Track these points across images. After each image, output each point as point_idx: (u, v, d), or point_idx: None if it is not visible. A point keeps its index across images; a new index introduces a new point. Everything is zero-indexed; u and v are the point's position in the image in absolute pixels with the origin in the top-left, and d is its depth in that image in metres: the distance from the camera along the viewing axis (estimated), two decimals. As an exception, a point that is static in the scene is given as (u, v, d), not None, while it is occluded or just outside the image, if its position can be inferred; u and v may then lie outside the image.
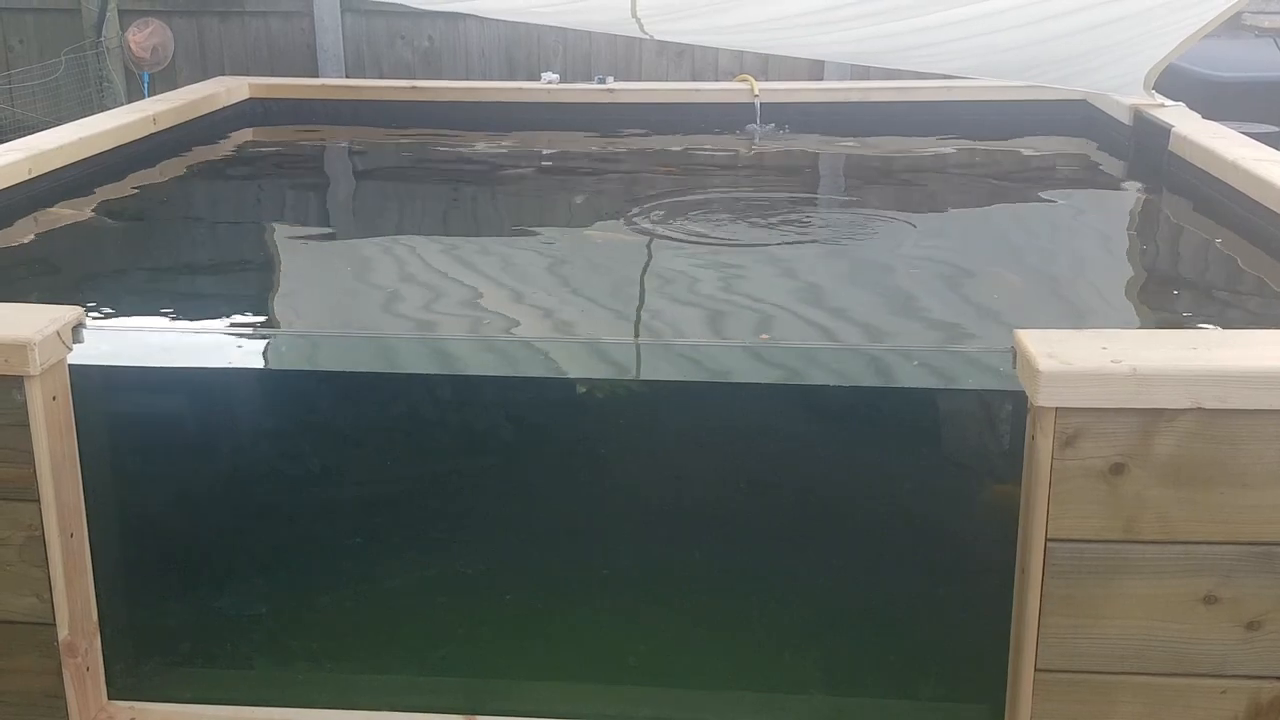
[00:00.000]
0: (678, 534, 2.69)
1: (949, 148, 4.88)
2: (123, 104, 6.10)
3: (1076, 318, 2.91)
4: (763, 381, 2.43)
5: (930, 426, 2.63)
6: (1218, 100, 4.65)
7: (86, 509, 2.24)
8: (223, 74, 6.13)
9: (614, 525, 2.71)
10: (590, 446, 2.85)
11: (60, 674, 2.21)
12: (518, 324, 2.86)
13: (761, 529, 2.68)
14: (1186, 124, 3.97)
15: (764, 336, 2.69)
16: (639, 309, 3.01)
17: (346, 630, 2.68)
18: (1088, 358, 1.92)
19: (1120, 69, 4.11)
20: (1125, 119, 4.39)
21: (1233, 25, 6.42)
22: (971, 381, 2.32)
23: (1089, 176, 4.50)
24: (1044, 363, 1.91)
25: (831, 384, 2.39)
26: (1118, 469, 1.92)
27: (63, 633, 2.20)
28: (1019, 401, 2.03)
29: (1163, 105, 4.25)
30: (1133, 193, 4.26)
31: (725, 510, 2.72)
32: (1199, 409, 1.89)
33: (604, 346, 2.60)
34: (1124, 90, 4.33)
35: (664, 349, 2.67)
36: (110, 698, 2.35)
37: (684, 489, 2.74)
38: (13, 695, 2.24)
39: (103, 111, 4.67)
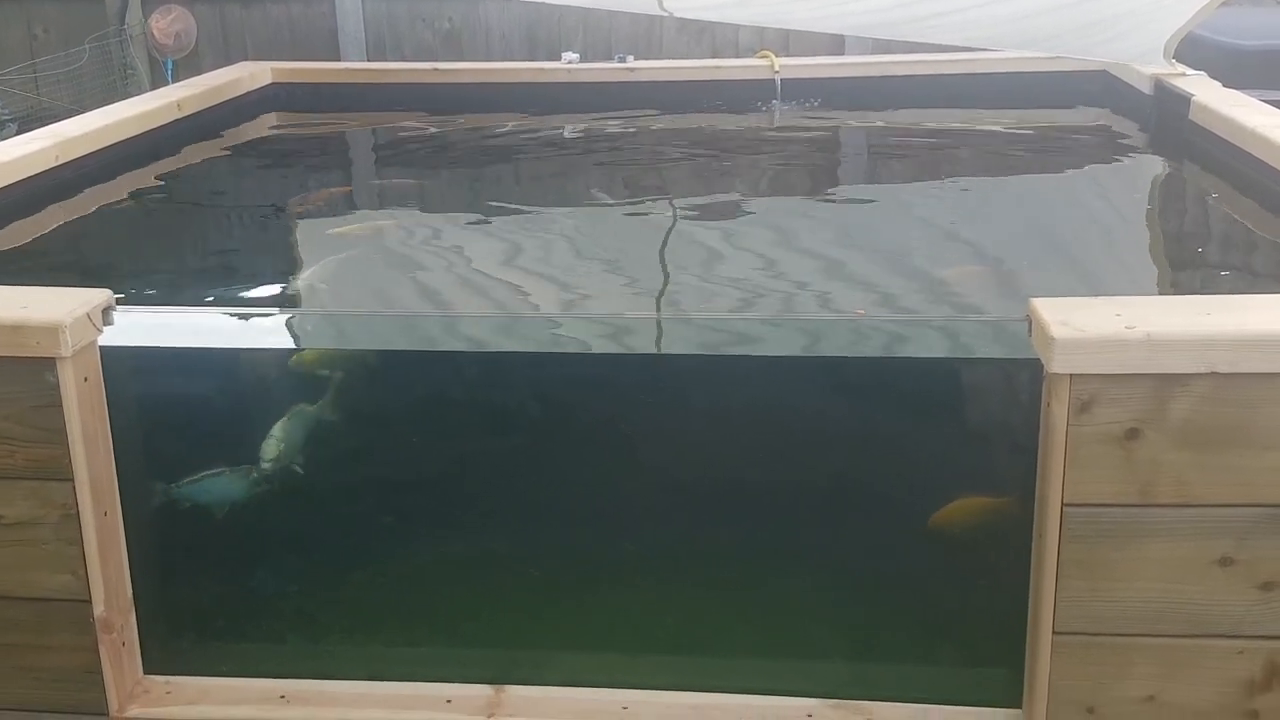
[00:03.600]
0: (700, 508, 2.72)
1: (971, 120, 4.87)
2: (147, 91, 6.15)
3: (1095, 285, 2.92)
4: (777, 354, 2.45)
5: (946, 395, 2.65)
6: (1239, 68, 4.61)
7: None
8: (245, 59, 6.16)
9: (637, 500, 2.74)
10: (613, 423, 2.88)
11: (96, 649, 2.26)
12: (546, 302, 2.89)
13: (782, 500, 2.71)
14: (1207, 92, 3.95)
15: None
16: (664, 285, 3.04)
17: (375, 605, 2.72)
18: (1102, 324, 1.93)
19: (1140, 37, 4.09)
20: (1146, 88, 4.37)
21: (1255, -8, 6.37)
22: (987, 350, 2.34)
23: (1110, 146, 4.49)
24: (1058, 330, 1.92)
25: (847, 355, 2.41)
26: (1133, 434, 1.94)
27: (98, 609, 2.24)
28: (1035, 369, 2.05)
29: (1183, 74, 4.22)
30: (1153, 162, 4.25)
31: (746, 483, 2.75)
32: (1213, 373, 1.90)
33: (625, 321, 2.62)
34: (1144, 59, 4.31)
35: (684, 323, 2.70)
36: (146, 672, 2.40)
37: (704, 463, 2.77)
38: (51, 671, 2.29)
39: (127, 98, 4.71)
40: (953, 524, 2.55)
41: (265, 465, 2.71)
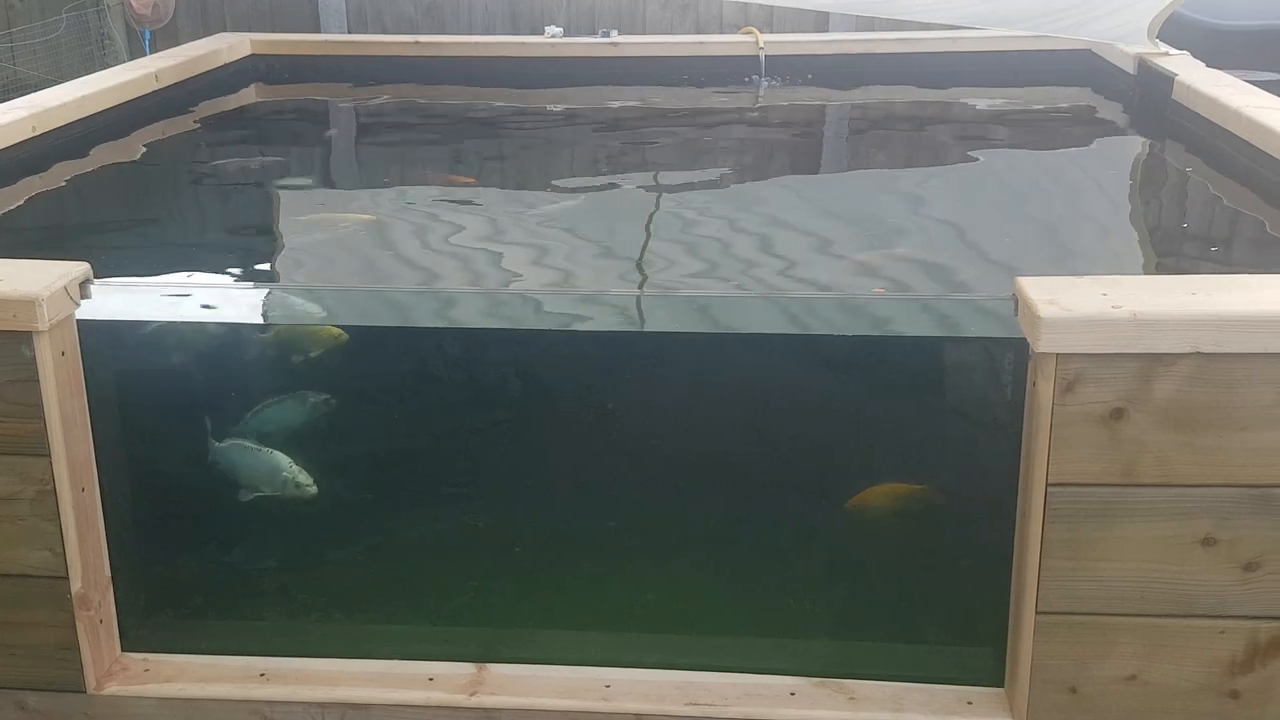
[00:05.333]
0: (684, 486, 2.71)
1: (954, 98, 4.86)
2: (125, 62, 6.08)
3: (1078, 265, 2.91)
4: (761, 332, 2.44)
5: (928, 374, 2.64)
6: (1222, 49, 4.62)
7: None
8: (224, 30, 6.10)
9: (621, 479, 2.73)
10: (597, 401, 2.87)
11: (74, 626, 2.24)
12: (524, 278, 2.87)
13: (767, 479, 2.70)
14: (1190, 72, 3.95)
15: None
16: (642, 254, 3.02)
17: (357, 583, 2.71)
18: (1088, 304, 1.93)
19: (1124, 17, 4.09)
20: (1129, 68, 4.37)
21: (1239, -28, 6.36)
22: (974, 329, 2.33)
23: (1093, 125, 4.48)
24: (1045, 309, 1.92)
25: (832, 334, 2.40)
26: (1117, 414, 1.94)
27: (76, 586, 2.22)
28: (1020, 348, 2.04)
29: (1167, 54, 4.22)
30: (1136, 141, 4.25)
31: (731, 461, 2.74)
32: (1198, 353, 1.90)
33: (608, 298, 2.61)
34: (1128, 39, 4.30)
35: (667, 300, 2.68)
36: (124, 649, 2.38)
37: (689, 441, 2.76)
38: (28, 648, 2.27)
39: (105, 69, 4.66)
40: (869, 508, 2.57)
41: (308, 489, 2.65)
